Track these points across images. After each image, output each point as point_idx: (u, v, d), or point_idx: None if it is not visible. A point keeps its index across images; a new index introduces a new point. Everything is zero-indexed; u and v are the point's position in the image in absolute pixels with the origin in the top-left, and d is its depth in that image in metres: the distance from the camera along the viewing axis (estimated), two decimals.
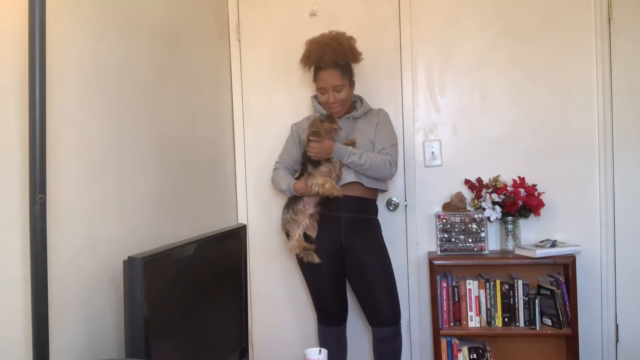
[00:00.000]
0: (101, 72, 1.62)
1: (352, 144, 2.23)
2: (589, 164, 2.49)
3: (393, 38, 2.61)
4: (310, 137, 2.15)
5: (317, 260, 2.19)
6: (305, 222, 2.21)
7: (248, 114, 2.76)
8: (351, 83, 2.30)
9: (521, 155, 2.54)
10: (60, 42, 1.43)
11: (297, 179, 2.26)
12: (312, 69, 2.31)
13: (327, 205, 2.21)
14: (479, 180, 2.52)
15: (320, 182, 2.14)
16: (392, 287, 2.23)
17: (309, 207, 2.24)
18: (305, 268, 2.29)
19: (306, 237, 2.24)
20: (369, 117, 2.33)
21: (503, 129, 2.56)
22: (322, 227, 2.24)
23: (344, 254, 2.23)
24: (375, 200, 2.33)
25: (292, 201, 2.27)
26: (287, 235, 2.29)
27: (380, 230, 2.32)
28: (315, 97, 2.38)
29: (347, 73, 2.26)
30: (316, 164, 2.18)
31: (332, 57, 2.19)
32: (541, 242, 2.43)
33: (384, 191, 2.39)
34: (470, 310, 2.39)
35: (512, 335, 2.47)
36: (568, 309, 2.29)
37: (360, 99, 2.39)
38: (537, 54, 2.52)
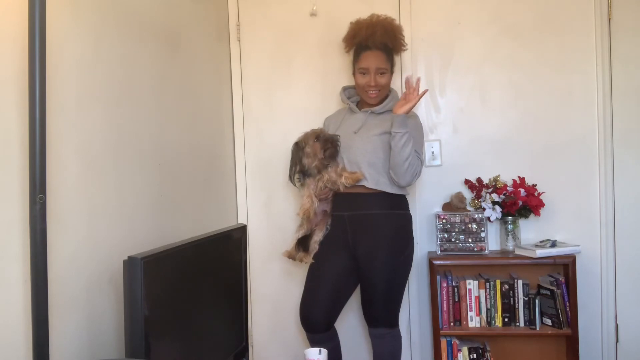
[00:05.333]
0: (101, 72, 1.62)
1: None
2: (589, 164, 2.49)
3: None
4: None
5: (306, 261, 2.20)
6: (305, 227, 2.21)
7: (248, 113, 2.75)
8: (392, 71, 2.19)
9: (521, 155, 2.54)
10: (60, 42, 1.43)
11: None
12: (352, 52, 2.21)
13: (333, 204, 2.18)
14: (479, 180, 2.52)
15: (305, 194, 2.14)
16: (391, 290, 2.10)
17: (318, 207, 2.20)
18: (313, 266, 2.20)
19: (305, 240, 2.21)
20: (389, 116, 2.12)
21: (503, 129, 2.56)
22: (331, 228, 2.19)
23: (355, 254, 2.12)
24: (385, 193, 2.10)
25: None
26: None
27: (396, 226, 2.12)
28: (345, 89, 2.29)
29: (391, 59, 2.17)
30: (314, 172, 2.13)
31: (382, 38, 2.10)
32: (541, 242, 2.43)
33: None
34: (470, 310, 2.39)
35: (512, 335, 2.47)
36: (568, 309, 2.29)
37: (393, 95, 2.22)
38: (537, 54, 2.52)
